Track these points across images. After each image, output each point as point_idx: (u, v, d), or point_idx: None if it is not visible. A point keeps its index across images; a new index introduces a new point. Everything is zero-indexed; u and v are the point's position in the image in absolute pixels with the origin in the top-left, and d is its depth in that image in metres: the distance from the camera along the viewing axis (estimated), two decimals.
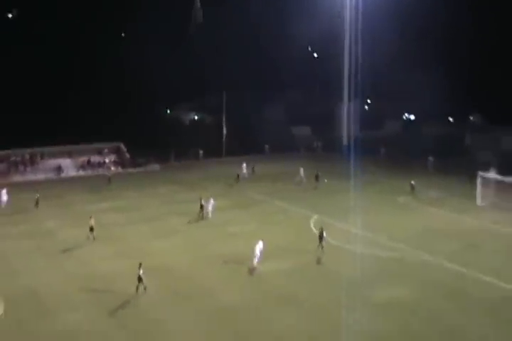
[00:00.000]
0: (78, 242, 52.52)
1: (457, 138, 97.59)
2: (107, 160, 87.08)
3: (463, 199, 65.63)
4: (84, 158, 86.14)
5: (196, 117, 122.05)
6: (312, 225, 56.94)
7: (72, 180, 79.56)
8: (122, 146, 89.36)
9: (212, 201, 61.39)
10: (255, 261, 46.54)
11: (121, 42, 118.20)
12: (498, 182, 63.93)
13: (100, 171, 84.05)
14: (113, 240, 53.07)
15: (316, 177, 75.04)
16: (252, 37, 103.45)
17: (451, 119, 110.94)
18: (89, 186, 75.01)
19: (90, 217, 54.29)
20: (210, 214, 60.47)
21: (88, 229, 53.00)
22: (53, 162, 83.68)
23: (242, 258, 47.85)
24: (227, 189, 73.08)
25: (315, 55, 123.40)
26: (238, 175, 77.48)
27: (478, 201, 64.20)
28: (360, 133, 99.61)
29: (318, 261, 47.91)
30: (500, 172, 64.98)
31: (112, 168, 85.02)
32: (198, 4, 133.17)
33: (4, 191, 66.05)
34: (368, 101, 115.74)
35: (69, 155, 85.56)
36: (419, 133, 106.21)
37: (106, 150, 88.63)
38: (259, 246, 46.88)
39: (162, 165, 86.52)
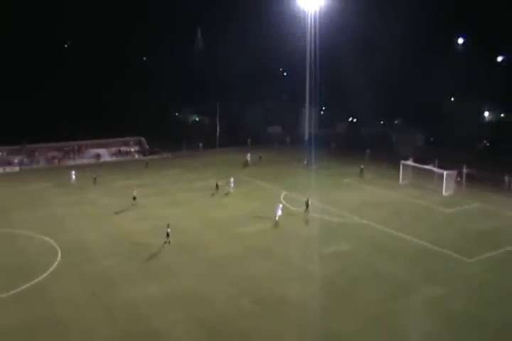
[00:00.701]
0: (113, 209, 52.84)
1: (386, 136, 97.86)
2: (132, 150, 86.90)
3: (390, 180, 65.74)
4: (115, 148, 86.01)
5: (197, 119, 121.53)
6: (282, 198, 57.25)
7: (107, 164, 79.43)
8: (143, 139, 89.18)
9: (232, 179, 61.02)
10: (276, 217, 48.01)
11: (145, 65, 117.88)
12: (414, 168, 64.34)
13: (128, 157, 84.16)
14: (137, 208, 53.16)
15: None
16: (238, 59, 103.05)
17: (382, 122, 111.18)
18: (121, 168, 75.06)
19: (133, 189, 55.01)
20: (231, 190, 60.07)
21: (132, 198, 53.76)
22: (94, 151, 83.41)
23: (230, 222, 48.55)
24: (222, 171, 72.29)
25: (284, 73, 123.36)
26: (246, 161, 76.90)
27: (400, 181, 64.96)
28: (317, 131, 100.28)
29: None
30: (415, 160, 65.39)
31: (136, 156, 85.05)
32: (199, 34, 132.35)
33: (73, 172, 65.71)
34: (323, 107, 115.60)
35: (105, 145, 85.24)
36: (360, 131, 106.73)
37: (131, 142, 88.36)
38: (280, 207, 48.58)
39: (173, 153, 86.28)
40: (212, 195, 59.08)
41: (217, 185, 60.20)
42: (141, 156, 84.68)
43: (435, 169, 62.07)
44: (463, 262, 39.47)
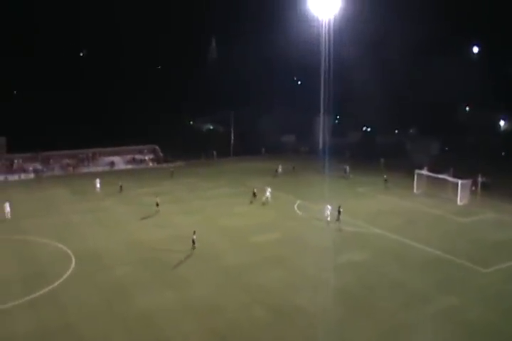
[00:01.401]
0: (129, 216, 53.07)
1: (400, 145, 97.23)
2: (146, 158, 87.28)
3: (404, 189, 65.37)
4: (130, 156, 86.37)
5: (211, 127, 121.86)
6: (296, 208, 57.24)
7: (121, 171, 79.65)
8: (157, 147, 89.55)
9: (268, 189, 59.96)
10: (328, 218, 49.59)
11: (159, 74, 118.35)
12: (428, 177, 63.94)
13: (142, 165, 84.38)
14: (153, 216, 53.22)
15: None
16: (252, 68, 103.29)
17: (396, 131, 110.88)
18: (135, 176, 75.09)
19: (156, 196, 55.64)
20: (269, 199, 58.92)
21: (155, 204, 54.31)
22: (108, 159, 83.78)
23: (243, 230, 48.49)
24: (234, 180, 72.38)
25: (299, 82, 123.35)
26: (276, 170, 76.25)
27: (415, 190, 64.61)
28: (331, 140, 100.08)
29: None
30: (430, 170, 65.01)
31: (150, 164, 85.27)
32: (214, 43, 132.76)
33: (98, 180, 65.46)
34: (337, 116, 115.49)
35: (119, 153, 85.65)
36: (374, 141, 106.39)
37: (145, 151, 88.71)
38: (328, 208, 50.38)
39: (186, 162, 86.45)
40: (251, 202, 59.09)
41: (254, 193, 59.91)
42: (155, 164, 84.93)
43: (450, 178, 61.60)
44: (478, 272, 39.00)
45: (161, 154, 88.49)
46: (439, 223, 52.24)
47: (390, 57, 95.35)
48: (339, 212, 50.84)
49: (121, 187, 64.48)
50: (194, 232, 42.97)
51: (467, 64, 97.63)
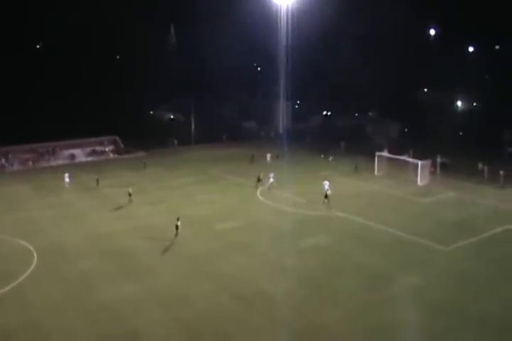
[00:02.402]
0: (91, 209, 52.39)
1: (360, 128, 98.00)
2: (106, 149, 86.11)
3: (365, 171, 65.96)
4: (90, 148, 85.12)
5: (172, 116, 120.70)
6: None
7: (82, 164, 78.25)
8: (118, 138, 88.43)
9: (272, 175, 59.73)
10: (329, 192, 52.77)
11: (118, 64, 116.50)
12: (389, 159, 64.72)
13: (102, 157, 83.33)
14: (114, 208, 52.75)
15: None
16: (212, 56, 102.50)
17: (356, 114, 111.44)
18: (96, 168, 73.43)
19: (128, 187, 55.32)
20: (275, 184, 58.59)
21: (127, 195, 54.05)
22: (68, 152, 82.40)
23: (207, 219, 48.32)
24: (196, 168, 71.89)
25: (259, 69, 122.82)
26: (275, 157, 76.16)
27: (376, 172, 65.21)
28: (292, 125, 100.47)
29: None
30: (390, 152, 65.80)
31: (111, 155, 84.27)
32: (172, 30, 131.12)
33: (67, 174, 63.36)
34: (298, 101, 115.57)
35: (79, 146, 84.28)
36: (334, 125, 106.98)
37: (106, 142, 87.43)
38: (327, 184, 54.49)
39: (148, 152, 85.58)
40: (256, 187, 59.28)
41: (258, 178, 60.12)
42: (116, 155, 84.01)
43: (410, 159, 62.47)
44: (440, 251, 39.71)
45: (121, 145, 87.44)
46: (401, 204, 52.94)
47: (350, 40, 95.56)
48: (326, 195, 52.32)
49: (97, 180, 62.45)
50: (178, 219, 43.08)
51: (424, 45, 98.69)
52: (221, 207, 52.30)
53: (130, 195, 54.40)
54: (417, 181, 60.26)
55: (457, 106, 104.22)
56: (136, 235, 43.46)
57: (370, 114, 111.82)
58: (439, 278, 34.99)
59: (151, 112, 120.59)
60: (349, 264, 37.42)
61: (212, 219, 48.15)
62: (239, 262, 37.90)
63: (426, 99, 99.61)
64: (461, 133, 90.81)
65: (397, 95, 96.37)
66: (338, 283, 34.37)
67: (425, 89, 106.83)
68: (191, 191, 59.31)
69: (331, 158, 75.09)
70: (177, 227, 42.88)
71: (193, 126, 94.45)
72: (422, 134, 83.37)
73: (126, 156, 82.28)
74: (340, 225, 46.29)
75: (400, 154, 63.96)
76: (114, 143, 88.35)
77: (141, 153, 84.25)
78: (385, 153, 65.61)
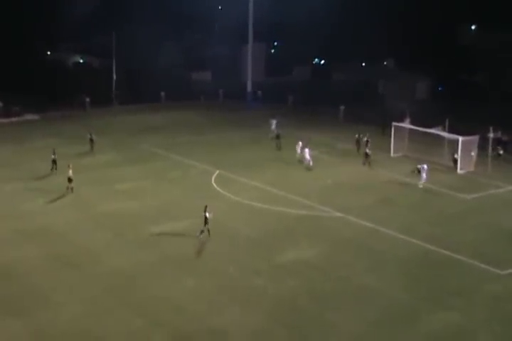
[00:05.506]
0: None
1: (369, 85, 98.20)
2: None
3: (376, 151, 65.19)
4: None
5: (81, 60, 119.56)
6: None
7: None
8: None
9: (307, 150, 61.32)
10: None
11: None
12: (412, 133, 65.17)
13: None
14: None
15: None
16: None
17: (363, 64, 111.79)
18: None
19: (68, 166, 53.62)
20: (311, 163, 60.96)
21: (67, 181, 53.17)
22: None
23: (134, 218, 48.16)
24: (118, 141, 72.02)
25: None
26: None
27: (392, 153, 65.82)
28: (266, 79, 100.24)
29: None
30: (414, 122, 66.11)
31: None
32: None
33: None
34: (275, 43, 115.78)
35: None
36: (329, 79, 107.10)
37: None
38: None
39: (41, 114, 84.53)
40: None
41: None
42: None
43: (445, 133, 62.67)
44: (489, 275, 39.66)
45: (0, 104, 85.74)
46: (429, 202, 53.20)
47: None
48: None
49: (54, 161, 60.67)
50: (206, 208, 43.14)
51: None
52: (156, 201, 52.12)
53: (70, 180, 53.11)
54: (455, 167, 60.71)
55: None
56: (23, 244, 42.80)
57: (384, 63, 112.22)
58: (489, 318, 34.65)
59: (48, 53, 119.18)
60: (349, 291, 37.12)
61: (141, 219, 47.82)
62: (182, 285, 37.44)
63: (475, 40, 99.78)
64: None
65: (428, 34, 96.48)
66: (331, 318, 34.13)
67: (472, 27, 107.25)
68: (110, 176, 58.97)
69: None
70: (206, 221, 43.01)
71: (114, 77, 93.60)
72: (467, 96, 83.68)
73: (5, 121, 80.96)
74: (337, 231, 46.27)
75: (429, 126, 64.20)
76: None
77: (30, 116, 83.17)
78: (407, 124, 65.81)
